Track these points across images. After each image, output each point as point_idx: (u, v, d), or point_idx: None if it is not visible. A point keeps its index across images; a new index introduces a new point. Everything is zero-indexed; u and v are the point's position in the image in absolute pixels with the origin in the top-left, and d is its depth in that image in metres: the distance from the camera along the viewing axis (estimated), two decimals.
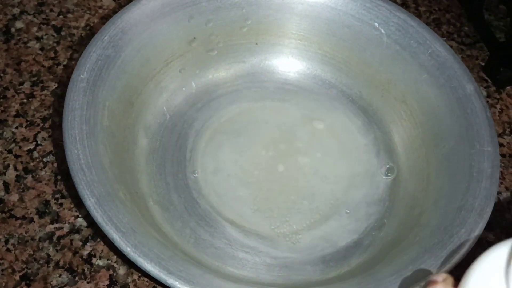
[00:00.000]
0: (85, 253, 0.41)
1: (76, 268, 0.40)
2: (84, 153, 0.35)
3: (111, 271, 0.40)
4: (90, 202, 0.33)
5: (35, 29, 0.55)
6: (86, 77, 0.39)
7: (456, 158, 0.40)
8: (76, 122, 0.36)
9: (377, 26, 0.46)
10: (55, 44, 0.54)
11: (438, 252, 0.34)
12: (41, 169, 0.46)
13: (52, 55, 0.53)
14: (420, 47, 0.45)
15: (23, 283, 0.39)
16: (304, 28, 0.49)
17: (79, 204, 0.43)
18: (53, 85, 0.51)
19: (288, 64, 0.50)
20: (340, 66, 0.49)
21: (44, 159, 0.46)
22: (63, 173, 0.45)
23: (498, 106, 0.54)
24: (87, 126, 0.36)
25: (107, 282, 0.40)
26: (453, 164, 0.40)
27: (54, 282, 0.40)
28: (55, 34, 0.55)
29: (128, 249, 0.32)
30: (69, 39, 0.54)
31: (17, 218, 0.43)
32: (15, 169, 0.45)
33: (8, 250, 0.41)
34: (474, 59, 0.57)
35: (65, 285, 0.40)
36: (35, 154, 0.46)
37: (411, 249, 0.35)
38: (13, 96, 0.50)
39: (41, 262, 0.40)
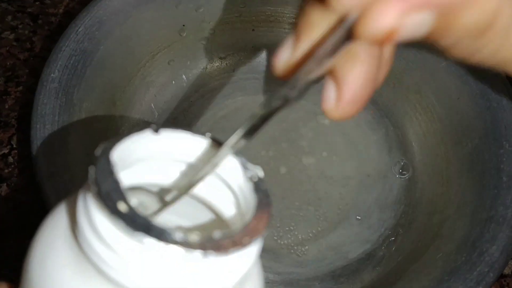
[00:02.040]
0: None
1: None
2: (56, 168, 0.30)
3: None
4: None
5: (9, 17, 0.50)
6: (58, 76, 0.34)
7: (482, 158, 0.36)
8: (46, 130, 0.32)
9: None
10: (31, 34, 0.49)
11: (467, 273, 0.29)
12: (16, 176, 0.41)
13: (28, 46, 0.48)
14: None
15: None
16: None
17: None
18: (29, 80, 0.46)
19: None
20: None
21: (20, 165, 0.42)
22: None
23: None
24: (59, 134, 0.32)
25: None
26: (478, 165, 0.36)
27: None
28: (31, 23, 0.50)
29: None
30: (46, 27, 0.49)
31: None
32: None
33: None
34: None
35: None
36: (10, 159, 0.42)
37: (434, 268, 0.31)
38: None
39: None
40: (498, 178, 0.34)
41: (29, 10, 0.51)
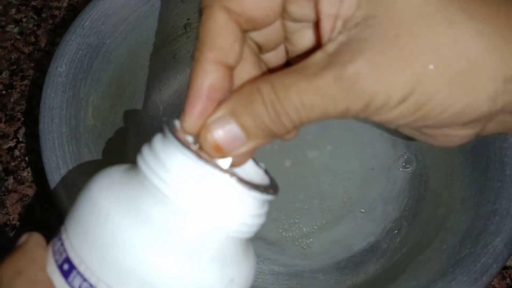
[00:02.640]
0: None
1: None
2: (64, 161, 0.30)
3: None
4: None
5: (13, 11, 0.50)
6: (65, 70, 0.34)
7: (486, 151, 0.36)
8: (54, 124, 0.32)
9: None
10: (35, 28, 0.49)
11: (471, 265, 0.30)
12: (23, 170, 0.41)
13: (33, 40, 0.48)
14: None
15: None
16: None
17: None
18: (34, 74, 0.46)
19: None
20: None
21: (27, 158, 0.42)
22: None
23: None
24: (67, 127, 0.32)
25: None
26: (482, 158, 0.36)
27: None
28: (35, 16, 0.50)
29: None
30: (50, 21, 0.49)
31: None
32: None
33: None
34: None
35: None
36: (17, 152, 0.42)
37: (438, 260, 0.31)
38: None
39: None
40: (502, 171, 0.34)
41: (32, 3, 0.50)
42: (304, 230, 0.39)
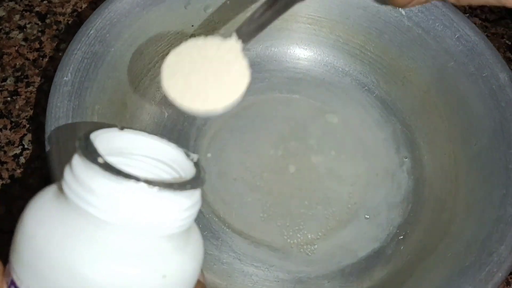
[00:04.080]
0: None
1: None
2: None
3: None
4: None
5: (17, 17, 0.50)
6: (71, 79, 0.34)
7: (490, 158, 0.36)
8: (60, 134, 0.32)
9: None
10: (39, 34, 0.49)
11: (476, 273, 0.30)
12: (29, 176, 0.42)
13: (37, 46, 0.48)
14: (446, 31, 0.40)
15: None
16: (314, 10, 0.44)
17: None
18: (39, 81, 0.46)
19: (297, 51, 0.46)
20: (354, 52, 0.45)
21: (32, 165, 0.42)
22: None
23: None
24: (73, 137, 0.32)
25: None
26: (487, 165, 0.36)
27: None
28: (39, 22, 0.50)
29: None
30: (54, 27, 0.49)
31: (4, 232, 0.39)
32: (1, 177, 0.41)
33: None
34: (500, 38, 0.52)
35: None
36: (22, 159, 0.42)
37: (443, 267, 0.31)
38: None
39: None
40: (507, 178, 0.34)
41: (36, 9, 0.51)
42: (309, 236, 0.39)
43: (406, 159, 0.42)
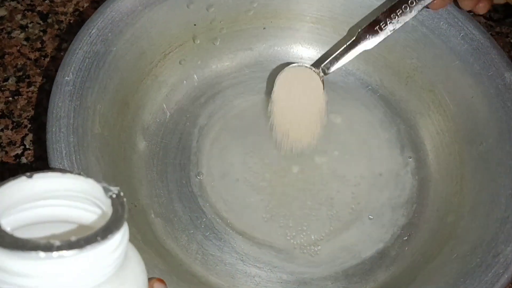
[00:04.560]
0: None
1: None
2: (72, 170, 0.30)
3: None
4: None
5: (19, 16, 0.50)
6: (72, 79, 0.34)
7: (496, 158, 0.35)
8: (62, 134, 0.32)
9: None
10: (41, 33, 0.49)
11: (482, 275, 0.29)
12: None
13: (39, 45, 0.48)
14: (451, 29, 0.40)
15: None
16: (317, 9, 0.44)
17: None
18: (41, 80, 0.46)
19: (300, 50, 0.46)
20: None
21: (34, 165, 0.42)
22: None
23: None
24: (75, 137, 0.32)
25: None
26: (492, 165, 0.35)
27: None
28: (41, 22, 0.50)
29: None
30: (56, 26, 0.49)
31: None
32: (2, 178, 0.41)
33: None
34: (504, 37, 0.52)
35: None
36: (24, 159, 0.42)
37: (449, 270, 0.31)
38: None
39: None
40: None
41: (38, 9, 0.50)
42: (312, 237, 0.38)
43: (410, 160, 0.42)
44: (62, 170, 0.21)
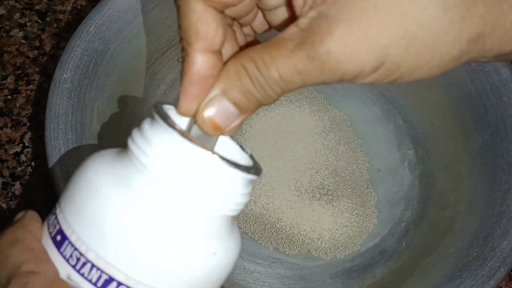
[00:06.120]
0: None
1: None
2: (70, 168, 0.30)
3: None
4: None
5: (17, 15, 0.50)
6: (70, 76, 0.34)
7: (492, 153, 0.36)
8: (60, 131, 0.32)
9: None
10: (39, 32, 0.49)
11: (478, 269, 0.30)
12: (30, 175, 0.42)
13: (37, 44, 0.48)
14: None
15: None
16: None
17: None
18: (39, 79, 0.46)
19: None
20: None
21: (33, 163, 0.42)
22: None
23: None
24: (73, 134, 0.32)
25: None
26: (489, 160, 0.36)
27: None
28: (39, 20, 0.50)
29: None
30: (55, 25, 0.49)
31: None
32: (1, 176, 0.41)
33: None
34: None
35: None
36: (23, 157, 0.42)
37: (446, 263, 0.31)
38: None
39: None
40: (509, 173, 0.34)
41: (36, 7, 0.50)
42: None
43: (408, 156, 0.42)
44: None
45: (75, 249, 0.20)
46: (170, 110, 0.22)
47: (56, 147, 0.31)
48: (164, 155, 0.20)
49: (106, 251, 0.20)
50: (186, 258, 0.20)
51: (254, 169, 0.22)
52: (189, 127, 0.22)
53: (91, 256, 0.20)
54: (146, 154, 0.20)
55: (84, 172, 0.21)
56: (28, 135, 0.43)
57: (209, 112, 0.21)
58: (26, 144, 0.43)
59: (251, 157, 0.23)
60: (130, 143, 0.21)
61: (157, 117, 0.21)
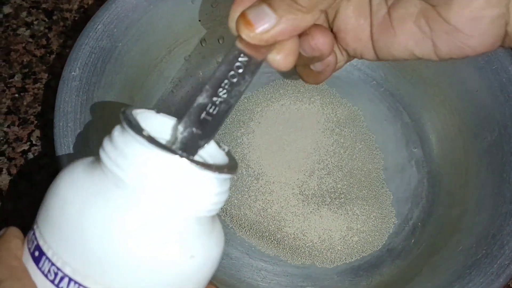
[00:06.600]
0: None
1: None
2: None
3: None
4: None
5: (24, 14, 0.50)
6: (79, 74, 0.34)
7: (501, 151, 0.36)
8: (69, 129, 0.32)
9: None
10: (46, 30, 0.49)
11: (488, 267, 0.30)
12: (37, 173, 0.42)
13: (44, 42, 0.48)
14: None
15: None
16: None
17: None
18: (46, 77, 0.46)
19: None
20: None
21: (40, 161, 0.42)
22: None
23: None
24: (81, 133, 0.32)
25: None
26: (497, 158, 0.36)
27: None
28: (46, 19, 0.50)
29: None
30: (61, 23, 0.49)
31: None
32: (9, 174, 0.41)
33: None
34: None
35: None
36: (30, 155, 0.42)
37: (454, 262, 0.31)
38: (3, 90, 0.45)
39: None
40: None
41: (43, 6, 0.51)
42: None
43: (416, 154, 0.42)
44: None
45: (52, 264, 0.20)
46: (139, 115, 0.22)
47: (65, 144, 0.32)
48: (135, 164, 0.20)
49: (82, 264, 0.20)
50: (162, 265, 0.20)
51: (227, 167, 0.22)
52: (174, 136, 0.23)
53: (68, 271, 0.20)
54: (117, 165, 0.20)
55: (57, 186, 0.22)
56: (36, 133, 0.43)
57: (247, 12, 0.23)
58: (34, 142, 0.43)
59: (228, 153, 0.23)
60: (103, 155, 0.21)
61: (125, 125, 0.21)
